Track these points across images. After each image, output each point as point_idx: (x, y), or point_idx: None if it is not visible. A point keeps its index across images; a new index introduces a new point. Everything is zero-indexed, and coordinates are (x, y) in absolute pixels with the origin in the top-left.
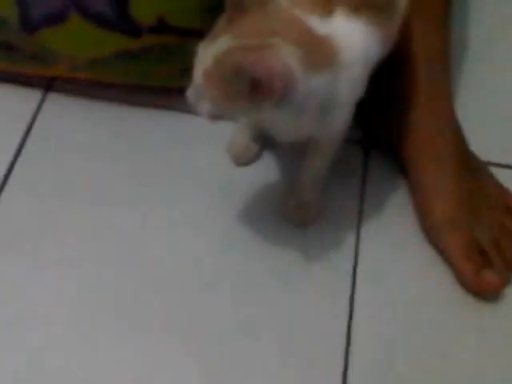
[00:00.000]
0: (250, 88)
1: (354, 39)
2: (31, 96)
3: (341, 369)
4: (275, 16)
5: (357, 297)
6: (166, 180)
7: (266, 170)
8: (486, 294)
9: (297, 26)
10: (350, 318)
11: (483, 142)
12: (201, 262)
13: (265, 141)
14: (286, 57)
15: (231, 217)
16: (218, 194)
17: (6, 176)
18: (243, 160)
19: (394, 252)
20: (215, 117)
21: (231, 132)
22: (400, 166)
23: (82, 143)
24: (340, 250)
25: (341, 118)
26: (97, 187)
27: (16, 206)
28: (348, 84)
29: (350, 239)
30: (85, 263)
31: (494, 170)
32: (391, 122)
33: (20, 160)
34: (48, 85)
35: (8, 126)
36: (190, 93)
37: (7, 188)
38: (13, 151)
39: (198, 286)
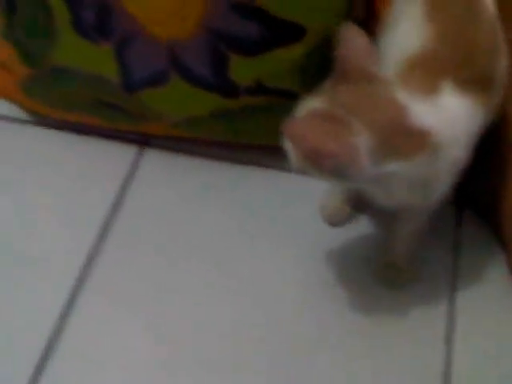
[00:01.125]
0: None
1: (458, 119)
2: (129, 152)
3: None
4: (372, 95)
5: (454, 358)
6: (260, 236)
7: (359, 230)
8: None
9: (388, 110)
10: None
11: None
12: (294, 317)
13: (358, 201)
14: (354, 140)
15: (322, 275)
16: (310, 252)
17: (105, 229)
18: (335, 221)
19: (489, 314)
20: (299, 169)
21: (323, 193)
22: (493, 226)
23: (179, 199)
24: (433, 312)
25: (441, 189)
26: (196, 244)
27: (115, 263)
28: (448, 162)
29: (444, 301)
30: (191, 319)
31: None
32: (485, 188)
33: (119, 215)
34: (145, 141)
35: (106, 181)
36: (284, 143)
37: (108, 239)
38: (110, 206)
39: (291, 341)
